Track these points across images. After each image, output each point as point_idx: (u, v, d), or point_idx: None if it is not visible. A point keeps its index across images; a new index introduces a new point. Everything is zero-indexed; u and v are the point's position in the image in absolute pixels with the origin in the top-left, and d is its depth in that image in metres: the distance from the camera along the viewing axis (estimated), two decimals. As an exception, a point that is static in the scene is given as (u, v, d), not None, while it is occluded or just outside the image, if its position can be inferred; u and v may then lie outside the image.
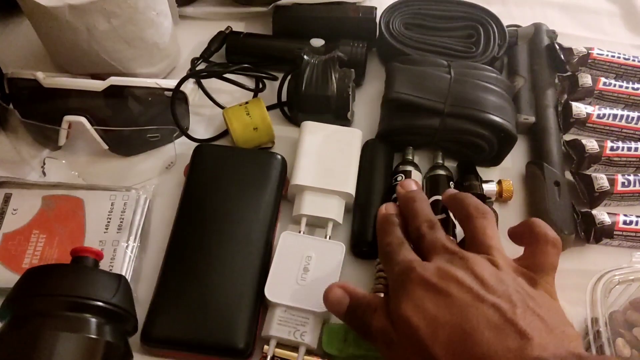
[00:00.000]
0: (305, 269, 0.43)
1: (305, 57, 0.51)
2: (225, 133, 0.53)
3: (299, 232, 0.46)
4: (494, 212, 0.48)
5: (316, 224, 0.47)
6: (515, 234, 0.39)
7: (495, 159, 0.51)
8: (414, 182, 0.44)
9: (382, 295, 0.42)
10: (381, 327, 0.34)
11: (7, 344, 0.34)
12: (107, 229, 0.45)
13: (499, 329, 0.30)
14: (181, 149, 0.50)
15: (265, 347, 0.41)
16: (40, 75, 0.47)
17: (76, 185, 0.47)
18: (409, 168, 0.49)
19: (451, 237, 0.39)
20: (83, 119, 0.47)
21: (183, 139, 0.51)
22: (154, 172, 0.50)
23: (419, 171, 0.50)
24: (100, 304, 0.35)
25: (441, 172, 0.49)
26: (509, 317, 0.30)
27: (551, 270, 0.35)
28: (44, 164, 0.48)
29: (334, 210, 0.46)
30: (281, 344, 0.41)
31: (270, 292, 0.41)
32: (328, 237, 0.46)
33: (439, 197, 0.47)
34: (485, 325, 0.30)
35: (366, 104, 0.56)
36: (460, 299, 0.32)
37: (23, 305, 0.35)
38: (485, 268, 0.34)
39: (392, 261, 0.37)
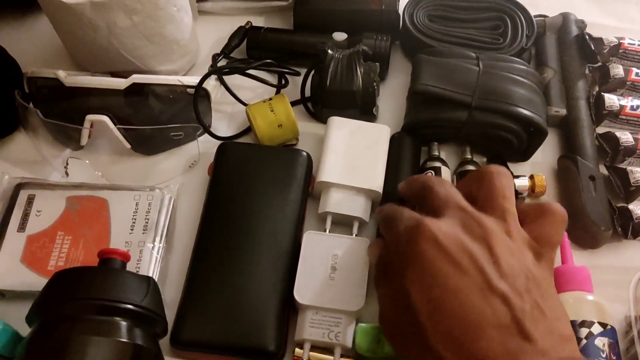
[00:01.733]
0: (333, 268, 0.42)
1: (329, 51, 0.50)
2: (248, 130, 0.52)
3: (325, 230, 0.45)
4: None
5: (342, 222, 0.46)
6: (521, 212, 0.37)
7: (524, 154, 0.50)
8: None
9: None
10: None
11: (37, 349, 0.33)
12: (132, 229, 0.44)
13: (504, 328, 0.29)
14: (204, 147, 0.49)
15: (297, 350, 0.40)
16: (61, 74, 0.46)
17: (100, 185, 0.46)
18: (437, 164, 0.48)
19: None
20: (105, 118, 0.46)
21: (206, 136, 0.50)
22: (178, 171, 0.49)
23: (448, 167, 0.48)
24: (130, 307, 0.34)
25: (471, 167, 0.48)
26: (516, 316, 0.29)
27: (555, 246, 0.34)
28: (67, 164, 0.48)
29: (361, 208, 0.45)
30: (315, 346, 0.40)
31: (300, 294, 0.40)
32: (354, 235, 0.45)
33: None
34: (490, 322, 0.29)
35: (390, 98, 0.54)
36: (470, 280, 0.30)
37: (52, 309, 0.34)
38: (500, 241, 0.31)
39: (395, 222, 0.34)
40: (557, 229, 0.34)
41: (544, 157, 0.51)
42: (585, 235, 0.45)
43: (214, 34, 0.58)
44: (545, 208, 0.35)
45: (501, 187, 0.35)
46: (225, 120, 0.53)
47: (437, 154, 0.50)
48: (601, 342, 0.37)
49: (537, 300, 0.30)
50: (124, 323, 0.34)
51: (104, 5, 0.44)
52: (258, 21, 0.59)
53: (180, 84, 0.48)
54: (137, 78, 0.46)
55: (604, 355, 0.37)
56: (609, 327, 0.38)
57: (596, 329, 0.38)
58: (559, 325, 0.30)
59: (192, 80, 0.48)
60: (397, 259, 0.33)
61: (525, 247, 0.33)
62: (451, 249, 0.31)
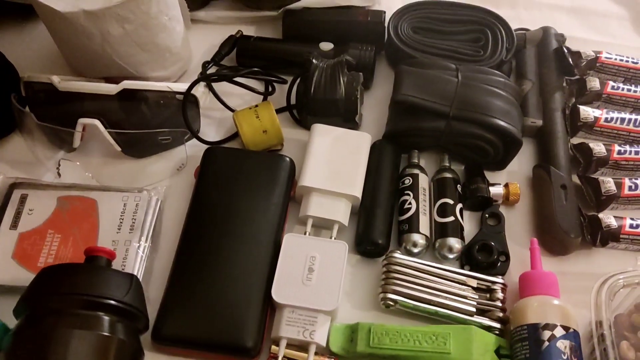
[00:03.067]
0: (310, 269, 0.43)
1: (314, 61, 0.52)
2: (235, 135, 0.54)
3: (305, 233, 0.46)
4: (501, 215, 0.48)
5: (322, 226, 0.48)
6: None
7: (500, 163, 0.52)
8: None
9: (388, 295, 0.43)
10: None
11: (23, 341, 0.35)
12: (119, 229, 0.46)
13: None
14: (192, 151, 0.51)
15: (274, 347, 0.41)
16: (55, 79, 0.48)
17: (90, 186, 0.48)
18: (416, 171, 0.50)
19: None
20: (97, 122, 0.48)
21: (194, 141, 0.52)
22: (166, 173, 0.51)
23: (426, 174, 0.50)
24: (113, 302, 0.36)
25: (448, 174, 0.50)
26: None
27: None
28: (59, 165, 0.50)
29: (340, 212, 0.47)
30: (290, 344, 0.41)
31: (277, 293, 0.42)
32: (333, 238, 0.46)
33: (447, 200, 0.48)
34: None
35: (374, 107, 0.56)
36: None
37: (38, 303, 0.36)
38: None
39: None
40: None
41: (520, 166, 0.53)
42: (555, 242, 0.47)
43: (206, 42, 0.60)
44: None
45: None
46: (213, 125, 0.55)
47: (416, 161, 0.51)
48: (563, 345, 0.39)
49: None
50: (106, 318, 0.36)
51: (97, 14, 0.46)
52: (249, 30, 0.61)
53: (169, 90, 0.50)
54: (127, 84, 0.48)
55: (564, 357, 0.38)
56: (571, 330, 0.40)
57: (558, 331, 0.39)
58: None
59: (181, 86, 0.50)
60: None
61: None
62: None
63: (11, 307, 0.37)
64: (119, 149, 0.50)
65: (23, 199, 0.47)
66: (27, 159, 0.51)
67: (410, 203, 0.48)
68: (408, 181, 0.49)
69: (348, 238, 0.48)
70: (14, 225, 0.46)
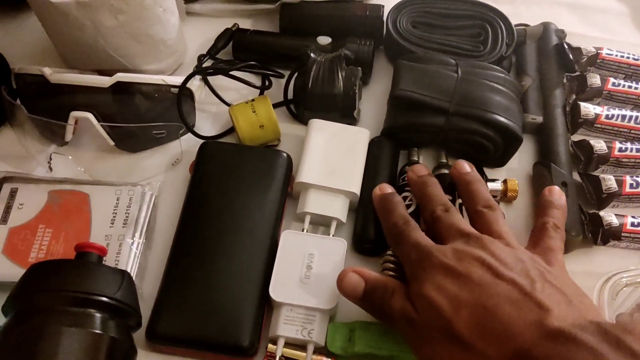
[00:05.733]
0: (309, 267, 0.43)
1: (312, 55, 0.51)
2: (231, 130, 0.53)
3: (303, 230, 0.46)
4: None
5: (320, 222, 0.47)
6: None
7: (500, 160, 0.51)
8: (424, 167, 0.46)
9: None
10: (401, 307, 0.36)
11: (11, 339, 0.34)
12: (112, 224, 0.45)
13: (518, 304, 0.32)
14: (187, 145, 0.50)
15: (270, 346, 0.40)
16: (47, 71, 0.47)
17: (82, 180, 0.47)
18: (415, 167, 0.49)
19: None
20: (89, 115, 0.47)
21: (189, 136, 0.51)
22: (160, 168, 0.50)
23: (425, 170, 0.49)
24: (103, 299, 0.35)
25: (446, 171, 0.49)
26: (528, 292, 0.32)
27: (560, 250, 0.38)
28: (51, 159, 0.49)
29: (338, 209, 0.46)
30: (288, 343, 0.41)
31: (275, 291, 0.41)
32: (332, 235, 0.45)
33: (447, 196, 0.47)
34: (505, 301, 0.32)
35: (373, 102, 0.55)
36: (479, 277, 0.34)
37: (26, 301, 0.35)
38: (501, 247, 0.36)
39: (404, 244, 0.38)
40: (555, 239, 0.39)
41: (520, 163, 0.52)
42: (556, 240, 0.46)
43: (201, 35, 0.59)
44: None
45: (494, 218, 0.39)
46: (209, 120, 0.54)
47: (415, 158, 0.51)
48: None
49: (551, 281, 0.34)
50: (97, 315, 0.35)
51: (90, 5, 0.45)
52: (245, 23, 0.60)
53: (164, 83, 0.49)
54: (121, 76, 0.47)
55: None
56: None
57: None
58: (580, 298, 0.33)
59: (176, 80, 0.49)
60: (414, 277, 0.37)
61: (530, 253, 0.37)
62: (457, 264, 0.35)
63: (0, 303, 0.36)
64: (112, 143, 0.49)
65: (13, 193, 0.46)
66: (17, 153, 0.50)
67: (410, 200, 0.47)
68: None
69: (346, 235, 0.47)
70: (4, 220, 0.45)
